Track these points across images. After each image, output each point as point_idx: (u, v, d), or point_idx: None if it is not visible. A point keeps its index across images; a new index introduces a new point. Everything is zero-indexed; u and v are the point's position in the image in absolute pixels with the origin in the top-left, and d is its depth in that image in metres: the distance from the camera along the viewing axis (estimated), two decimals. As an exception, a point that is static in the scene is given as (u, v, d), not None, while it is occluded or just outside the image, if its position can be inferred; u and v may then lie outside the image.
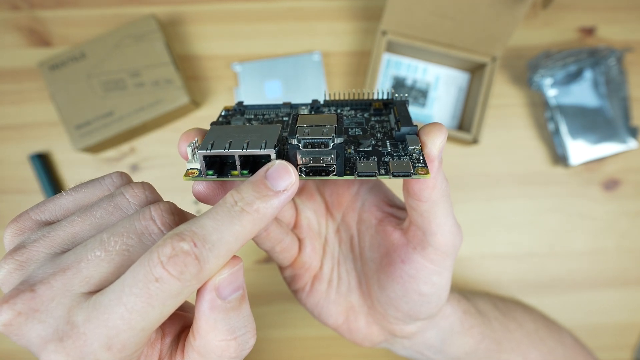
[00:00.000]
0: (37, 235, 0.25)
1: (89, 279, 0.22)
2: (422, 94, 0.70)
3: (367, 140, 0.28)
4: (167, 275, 0.21)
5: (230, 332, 0.24)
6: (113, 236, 0.23)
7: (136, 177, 0.68)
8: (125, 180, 0.28)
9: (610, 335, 0.70)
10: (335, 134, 0.24)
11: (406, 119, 0.28)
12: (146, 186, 0.27)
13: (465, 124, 0.68)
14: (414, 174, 0.25)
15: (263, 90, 0.69)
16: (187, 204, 0.68)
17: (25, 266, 0.23)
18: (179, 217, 0.25)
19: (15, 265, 0.23)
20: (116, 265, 0.23)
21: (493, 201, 0.70)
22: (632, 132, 0.67)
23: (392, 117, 0.31)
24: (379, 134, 0.29)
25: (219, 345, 0.24)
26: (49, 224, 0.26)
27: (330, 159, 0.24)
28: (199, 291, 0.23)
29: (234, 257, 0.24)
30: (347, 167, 0.26)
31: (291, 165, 0.24)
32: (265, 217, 0.24)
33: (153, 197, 0.27)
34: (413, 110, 0.70)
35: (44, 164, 0.66)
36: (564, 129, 0.67)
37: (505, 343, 0.50)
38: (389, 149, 0.27)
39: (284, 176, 0.24)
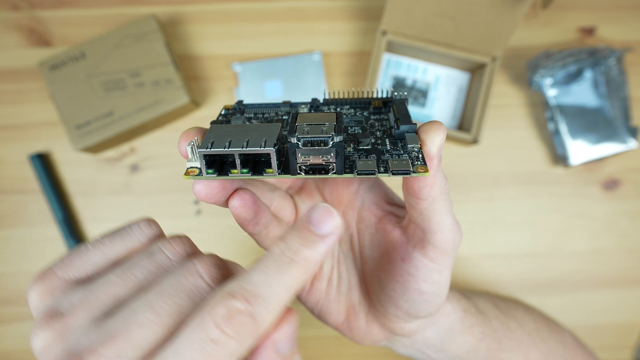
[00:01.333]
0: (73, 298, 0.23)
1: (141, 345, 0.21)
2: (422, 94, 0.70)
3: (366, 138, 0.28)
4: (223, 337, 0.20)
5: None
6: (162, 297, 0.22)
7: (136, 177, 0.68)
8: (155, 228, 0.27)
9: (610, 335, 0.70)
10: (335, 132, 0.24)
11: (405, 117, 0.28)
12: (184, 240, 0.26)
13: (465, 124, 0.68)
14: (413, 172, 0.25)
15: (263, 90, 0.69)
16: (187, 204, 0.69)
17: (67, 335, 0.22)
18: (224, 269, 0.25)
19: (55, 335, 0.22)
20: (168, 327, 0.22)
21: (493, 201, 0.70)
22: (632, 132, 0.67)
23: (391, 115, 0.31)
24: (378, 133, 0.29)
25: None
26: (79, 282, 0.25)
27: (330, 157, 0.24)
28: (256, 348, 0.23)
29: (289, 310, 0.24)
30: (346, 166, 0.26)
31: (333, 209, 0.24)
32: (313, 264, 0.23)
33: (192, 251, 0.26)
34: (413, 110, 0.70)
35: (44, 164, 0.66)
36: (564, 129, 0.67)
37: (505, 342, 0.50)
38: (388, 147, 0.27)
39: (327, 219, 0.23)
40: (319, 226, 0.23)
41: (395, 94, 0.32)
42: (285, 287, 0.22)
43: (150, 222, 0.27)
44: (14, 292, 0.67)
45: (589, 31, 0.71)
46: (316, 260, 0.23)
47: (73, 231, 0.66)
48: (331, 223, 0.23)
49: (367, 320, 0.40)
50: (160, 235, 0.27)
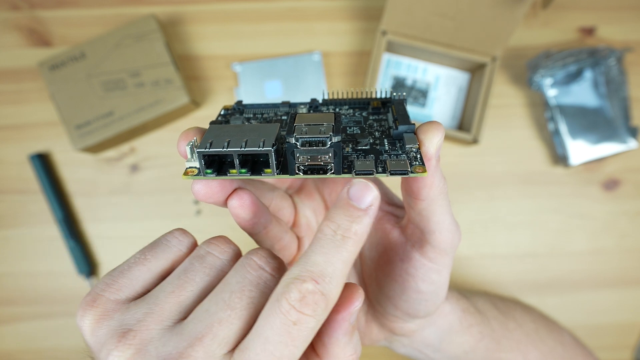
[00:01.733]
0: (137, 314, 0.24)
1: (226, 340, 0.23)
2: (422, 94, 0.70)
3: (364, 138, 0.28)
4: (303, 317, 0.22)
5: (354, 348, 0.26)
6: (234, 293, 0.24)
7: (136, 177, 0.68)
8: (190, 236, 0.29)
9: (610, 335, 0.70)
10: (333, 132, 0.24)
11: (404, 117, 0.28)
12: (225, 239, 0.28)
13: (465, 124, 0.68)
14: (412, 172, 0.25)
15: (263, 90, 0.69)
16: (187, 204, 0.69)
17: (144, 347, 0.23)
18: (278, 259, 0.26)
19: (132, 349, 0.23)
20: (246, 319, 0.24)
21: (493, 201, 0.70)
22: (632, 132, 0.67)
23: (390, 115, 0.31)
24: (377, 133, 0.29)
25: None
26: (131, 300, 0.25)
27: (328, 157, 0.24)
28: (329, 320, 0.25)
29: (355, 286, 0.26)
30: (344, 166, 0.26)
31: (369, 180, 0.25)
32: (363, 236, 0.25)
33: (236, 248, 0.28)
34: (413, 110, 0.70)
35: (44, 164, 0.67)
36: (564, 129, 0.67)
37: (504, 342, 0.50)
38: (386, 148, 0.27)
39: (366, 193, 0.24)
40: (360, 201, 0.24)
41: (394, 94, 0.32)
42: (344, 262, 0.24)
43: (183, 231, 0.28)
44: (14, 292, 0.67)
45: (589, 31, 0.71)
46: (365, 232, 0.25)
47: (73, 231, 0.66)
48: (370, 195, 0.25)
49: (366, 320, 0.40)
50: (195, 243, 0.29)
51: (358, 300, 0.25)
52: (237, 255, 0.27)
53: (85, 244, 0.68)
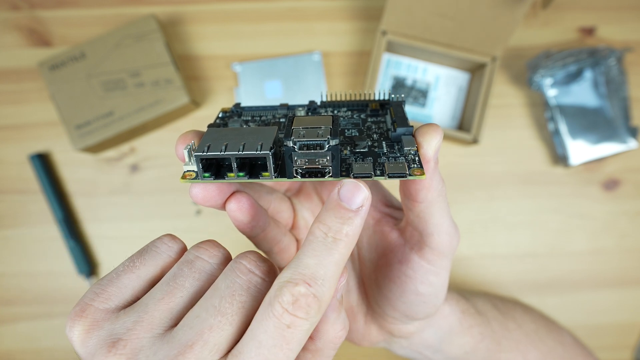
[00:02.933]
0: (126, 323, 0.24)
1: (218, 346, 0.23)
2: (422, 94, 0.70)
3: (363, 141, 0.28)
4: (297, 320, 0.22)
5: (342, 324, 0.27)
6: (224, 298, 0.24)
7: (136, 177, 0.68)
8: (179, 241, 0.28)
9: (610, 335, 0.70)
10: (331, 135, 0.24)
11: (402, 119, 0.28)
12: (214, 243, 0.27)
13: (465, 124, 0.68)
14: (410, 175, 0.25)
15: (263, 91, 0.69)
16: (187, 204, 0.69)
17: (135, 356, 0.23)
18: (268, 262, 0.26)
19: (123, 359, 0.23)
20: (237, 325, 0.24)
21: (493, 201, 0.70)
22: (632, 132, 0.67)
23: (388, 117, 0.31)
24: (375, 135, 0.29)
25: (337, 336, 0.27)
26: (120, 309, 0.25)
27: (326, 160, 0.24)
28: None
29: None
30: (342, 169, 0.26)
31: (359, 180, 0.25)
32: (355, 237, 0.25)
33: (225, 252, 0.27)
34: (413, 110, 0.70)
35: (44, 164, 0.67)
36: (564, 129, 0.67)
37: (504, 343, 0.50)
38: (384, 150, 0.27)
39: (356, 193, 0.24)
40: (351, 201, 0.24)
41: (393, 96, 0.32)
42: (336, 264, 0.24)
43: (172, 236, 0.28)
44: (14, 292, 0.67)
45: (589, 31, 0.71)
46: (356, 233, 0.25)
47: (73, 231, 0.66)
48: (360, 196, 0.24)
49: (365, 322, 0.40)
50: (184, 248, 0.28)
51: (342, 277, 0.26)
52: (227, 259, 0.27)
53: (85, 244, 0.68)
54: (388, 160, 0.26)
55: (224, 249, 0.28)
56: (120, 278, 0.26)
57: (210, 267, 0.26)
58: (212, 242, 0.27)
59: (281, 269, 0.38)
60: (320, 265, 0.23)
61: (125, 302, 0.25)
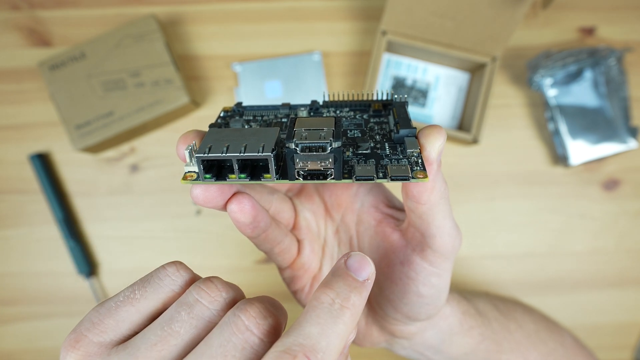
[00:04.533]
0: None
1: None
2: (422, 94, 0.70)
3: (365, 142, 0.28)
4: None
5: None
6: (214, 359, 0.22)
7: (136, 177, 0.68)
8: (184, 272, 0.27)
9: (610, 335, 0.70)
10: (333, 138, 0.24)
11: (405, 121, 0.28)
12: (218, 284, 0.25)
13: (465, 124, 0.68)
14: (412, 178, 0.25)
15: (263, 91, 0.69)
16: (187, 204, 0.69)
17: None
18: (271, 317, 0.24)
19: None
20: None
21: (493, 201, 0.70)
22: (632, 132, 0.67)
23: (391, 118, 0.31)
24: (377, 136, 0.29)
25: None
26: (115, 344, 0.24)
27: (328, 163, 0.24)
28: None
29: None
30: (345, 171, 0.26)
31: (366, 256, 0.25)
32: (360, 309, 0.23)
33: (228, 295, 0.25)
34: (413, 110, 0.70)
35: (44, 164, 0.66)
36: (564, 129, 0.67)
37: (505, 344, 0.50)
38: (387, 152, 0.27)
39: (364, 266, 0.24)
40: (359, 273, 0.24)
41: (396, 96, 0.32)
42: (340, 336, 0.22)
43: (178, 266, 0.27)
44: (14, 292, 0.67)
45: (589, 31, 0.71)
46: (362, 305, 0.24)
47: (73, 231, 0.66)
48: (368, 269, 0.24)
49: (366, 323, 0.40)
50: (191, 279, 0.27)
51: (352, 334, 0.24)
52: (230, 303, 0.25)
53: (85, 244, 0.68)
54: (391, 162, 0.26)
55: (228, 291, 0.26)
56: (119, 310, 0.25)
57: (210, 313, 0.24)
58: (215, 284, 0.25)
59: (282, 269, 0.39)
60: (323, 336, 0.21)
61: (121, 337, 0.24)
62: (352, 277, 0.24)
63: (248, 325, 0.23)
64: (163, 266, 0.27)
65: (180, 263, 0.27)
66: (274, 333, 0.24)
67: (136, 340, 0.24)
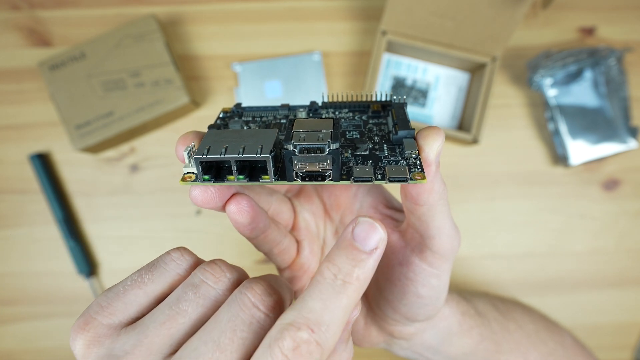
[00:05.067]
0: (126, 345, 0.23)
1: None
2: (422, 94, 0.70)
3: (364, 144, 0.28)
4: None
5: (349, 353, 0.26)
6: (224, 333, 0.23)
7: (136, 177, 0.68)
8: (189, 257, 0.27)
9: (610, 335, 0.70)
10: (331, 139, 0.24)
11: (404, 122, 0.28)
12: (221, 265, 0.26)
13: (465, 124, 0.68)
14: (411, 179, 0.25)
15: (263, 91, 0.69)
16: (187, 204, 0.69)
17: None
18: (274, 294, 0.25)
19: None
20: None
21: (493, 201, 0.70)
22: (632, 132, 0.67)
23: (390, 119, 0.31)
24: (376, 137, 0.29)
25: None
26: (124, 325, 0.24)
27: (326, 164, 0.24)
28: None
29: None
30: (343, 172, 0.26)
31: (376, 220, 0.24)
32: (366, 281, 0.24)
33: (232, 276, 0.26)
34: (413, 110, 0.70)
35: (44, 164, 0.67)
36: (564, 129, 0.67)
37: (504, 344, 0.50)
38: (385, 153, 0.27)
39: (371, 234, 0.23)
40: (365, 242, 0.23)
41: (394, 97, 0.32)
42: (343, 310, 0.22)
43: (182, 251, 0.28)
44: (14, 292, 0.67)
45: (589, 31, 0.71)
46: (368, 277, 0.24)
47: (73, 231, 0.66)
48: (375, 237, 0.23)
49: (365, 323, 0.40)
50: (195, 263, 0.27)
51: (357, 310, 0.25)
52: (235, 283, 0.26)
53: (85, 244, 0.68)
54: (389, 163, 0.26)
55: (232, 272, 0.27)
56: (127, 293, 0.25)
57: (215, 293, 0.25)
58: (219, 265, 0.26)
59: (281, 269, 0.39)
60: (326, 310, 0.22)
61: (129, 319, 0.25)
62: (358, 249, 0.23)
63: (254, 302, 0.24)
64: (168, 252, 0.27)
65: (185, 248, 0.28)
66: (279, 308, 0.24)
67: (145, 320, 0.24)
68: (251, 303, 0.24)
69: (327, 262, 0.23)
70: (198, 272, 0.26)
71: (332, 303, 0.22)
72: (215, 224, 0.69)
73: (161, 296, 0.26)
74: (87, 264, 0.66)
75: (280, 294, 0.25)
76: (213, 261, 0.27)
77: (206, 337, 0.23)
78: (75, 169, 0.68)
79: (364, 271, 0.23)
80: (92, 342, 0.24)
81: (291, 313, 0.22)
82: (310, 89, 0.69)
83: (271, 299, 0.24)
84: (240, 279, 0.27)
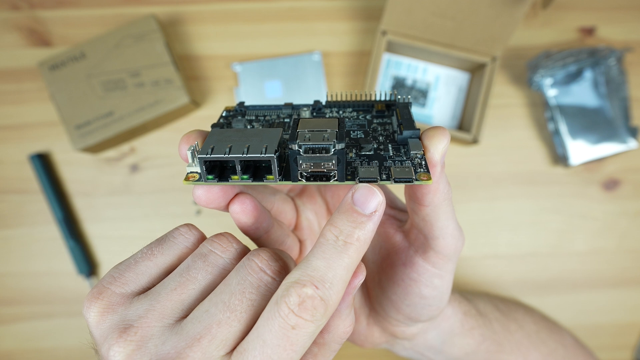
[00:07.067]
0: (139, 310, 0.24)
1: (225, 342, 0.23)
2: (422, 94, 0.70)
3: (369, 144, 0.28)
4: (302, 321, 0.22)
5: (351, 320, 0.27)
6: (234, 295, 0.24)
7: (136, 177, 0.68)
8: (195, 232, 0.29)
9: (610, 335, 0.70)
10: (337, 139, 0.24)
11: (409, 122, 0.28)
12: (228, 237, 0.28)
13: (465, 124, 0.68)
14: (416, 180, 0.25)
15: (263, 90, 0.69)
16: (187, 204, 0.68)
17: (144, 344, 0.23)
18: (279, 260, 0.26)
19: (132, 346, 0.23)
20: (245, 322, 0.24)
21: (493, 201, 0.70)
22: (632, 132, 0.67)
23: (394, 119, 0.30)
24: (380, 137, 0.29)
25: (345, 331, 0.27)
26: (136, 294, 0.26)
27: (332, 164, 0.24)
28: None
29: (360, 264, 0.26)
30: (348, 172, 0.26)
31: (374, 185, 0.25)
32: (367, 242, 0.25)
33: (239, 246, 0.28)
34: (413, 110, 0.70)
35: (44, 164, 0.66)
36: (564, 129, 0.67)
37: (505, 344, 0.50)
38: (390, 153, 0.27)
39: (370, 198, 0.24)
40: (364, 206, 0.24)
41: (399, 97, 0.32)
42: (345, 268, 0.24)
43: (190, 226, 0.29)
44: (14, 292, 0.67)
45: (589, 31, 0.71)
46: (368, 238, 0.25)
47: (73, 231, 0.66)
48: (374, 201, 0.24)
49: (368, 324, 0.40)
50: (202, 237, 0.29)
51: (362, 274, 0.26)
52: (241, 253, 0.27)
53: (85, 244, 0.67)
54: (394, 164, 0.26)
55: (239, 243, 0.28)
56: (138, 265, 0.27)
57: (223, 261, 0.27)
58: (226, 237, 0.28)
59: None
60: (329, 268, 0.23)
61: (140, 288, 0.26)
62: (357, 212, 0.24)
63: (261, 267, 0.25)
64: (176, 227, 0.29)
65: (192, 224, 0.29)
66: (284, 272, 0.26)
67: (157, 287, 0.26)
68: (258, 267, 0.25)
69: (329, 225, 0.24)
70: (206, 243, 0.27)
71: (334, 262, 0.23)
72: (215, 223, 0.69)
73: (171, 267, 0.27)
74: (87, 264, 0.66)
75: (285, 260, 0.27)
76: (220, 233, 0.28)
77: (216, 299, 0.24)
78: (75, 169, 0.68)
79: (364, 232, 0.24)
80: (105, 310, 0.25)
81: (296, 272, 0.23)
82: (310, 89, 0.69)
83: (277, 264, 0.26)
84: (246, 250, 0.28)
